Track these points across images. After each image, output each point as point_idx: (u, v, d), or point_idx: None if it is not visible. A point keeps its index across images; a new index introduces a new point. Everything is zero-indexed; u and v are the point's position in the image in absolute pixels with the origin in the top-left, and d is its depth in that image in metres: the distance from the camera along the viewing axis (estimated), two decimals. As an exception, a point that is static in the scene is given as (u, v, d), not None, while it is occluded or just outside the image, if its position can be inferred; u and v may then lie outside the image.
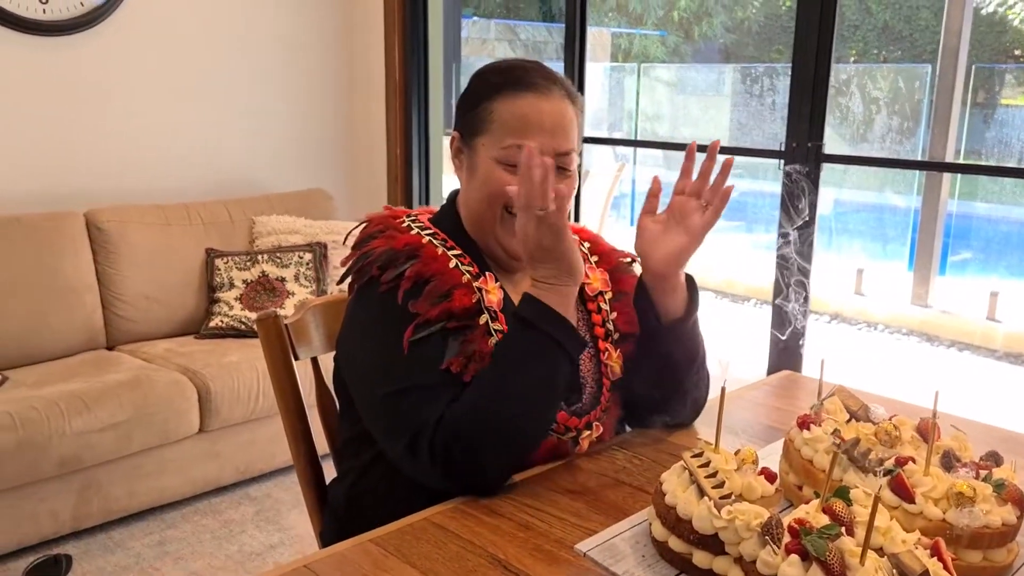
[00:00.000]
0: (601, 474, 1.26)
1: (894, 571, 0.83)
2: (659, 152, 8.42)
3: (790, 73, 2.65)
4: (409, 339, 1.20)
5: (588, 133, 4.98)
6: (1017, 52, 7.30)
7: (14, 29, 3.02)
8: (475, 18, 9.60)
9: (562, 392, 1.25)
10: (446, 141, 1.64)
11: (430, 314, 1.21)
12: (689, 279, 1.34)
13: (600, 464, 1.29)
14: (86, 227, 3.08)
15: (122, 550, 2.61)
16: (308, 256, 3.32)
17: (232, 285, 3.24)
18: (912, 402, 1.52)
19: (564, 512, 1.14)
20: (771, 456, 1.26)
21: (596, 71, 9.11)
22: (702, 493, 0.97)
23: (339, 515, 1.40)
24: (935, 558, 0.86)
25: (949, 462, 1.08)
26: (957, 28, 6.07)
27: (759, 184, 6.88)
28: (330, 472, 1.50)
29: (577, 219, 3.51)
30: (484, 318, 1.25)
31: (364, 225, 1.34)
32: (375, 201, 3.97)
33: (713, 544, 0.95)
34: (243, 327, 3.15)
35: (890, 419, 1.16)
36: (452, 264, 1.27)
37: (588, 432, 1.31)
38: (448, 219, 1.36)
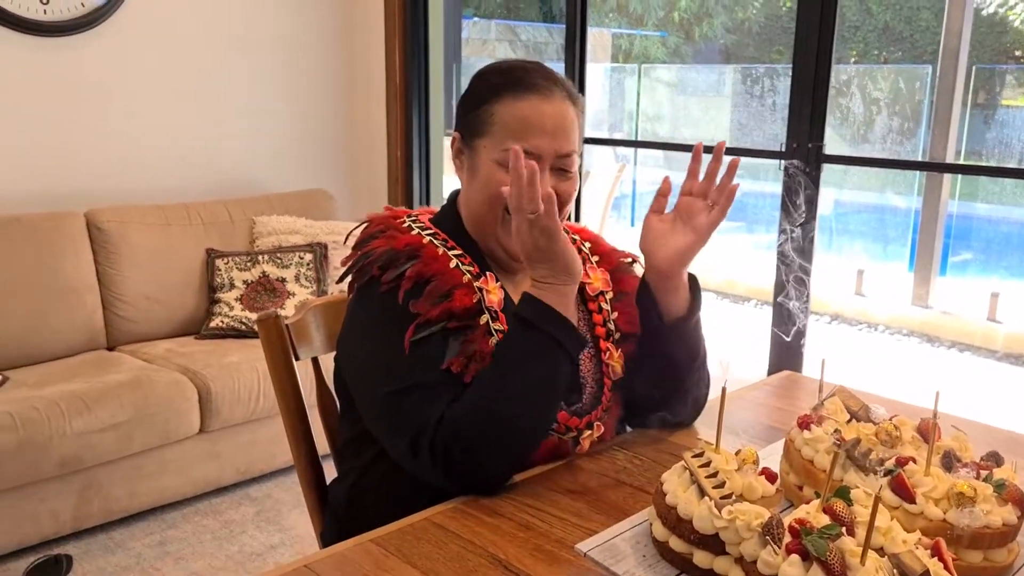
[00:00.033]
0: (602, 474, 1.26)
1: (895, 571, 0.83)
2: (660, 153, 8.42)
3: (791, 74, 2.66)
4: (410, 339, 1.20)
5: (589, 134, 4.98)
6: (1018, 53, 7.30)
7: (15, 30, 3.03)
8: (476, 19, 9.60)
9: (563, 392, 1.25)
10: (447, 141, 1.63)
11: (431, 314, 1.21)
12: (692, 278, 1.34)
13: (601, 464, 1.29)
14: (86, 227, 3.08)
15: (123, 550, 2.61)
16: (309, 256, 3.32)
17: (232, 285, 3.24)
18: (913, 403, 1.52)
19: (565, 512, 1.14)
20: (772, 456, 1.26)
21: (597, 72, 9.11)
22: (703, 493, 0.97)
23: (340, 515, 1.40)
24: (936, 558, 0.86)
25: (950, 462, 1.08)
26: (957, 29, 6.07)
27: (760, 185, 6.88)
28: (331, 472, 1.50)
29: (578, 219, 3.51)
30: (485, 318, 1.25)
31: (365, 225, 1.34)
32: (376, 201, 3.97)
33: (714, 544, 0.95)
34: (243, 327, 3.15)
35: (891, 419, 1.16)
36: (453, 264, 1.27)
37: (589, 432, 1.31)
38: (449, 219, 1.36)
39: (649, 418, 1.42)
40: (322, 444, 1.53)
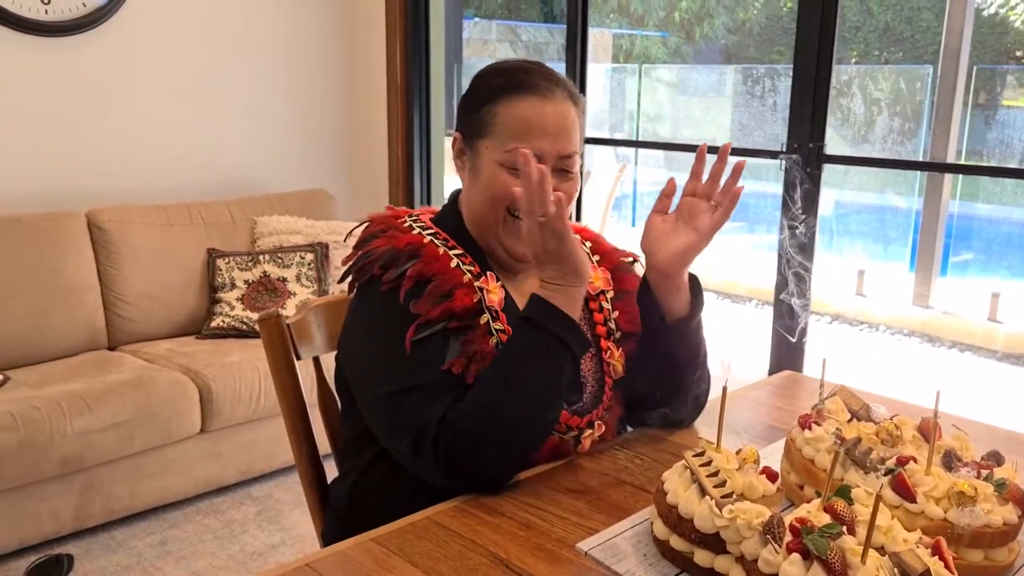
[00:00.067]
0: (603, 473, 1.26)
1: (895, 570, 0.83)
2: (660, 153, 8.42)
3: (791, 74, 2.66)
4: (411, 339, 1.20)
5: (589, 134, 4.98)
6: (1018, 53, 7.30)
7: (16, 29, 3.03)
8: (477, 19, 9.61)
9: (566, 391, 1.25)
10: (447, 142, 1.64)
11: (431, 314, 1.21)
12: (693, 279, 1.34)
13: (602, 463, 1.29)
14: (87, 227, 3.08)
15: (124, 550, 2.61)
16: (310, 256, 3.33)
17: (233, 285, 3.24)
18: (913, 402, 1.52)
19: (566, 511, 1.14)
20: (772, 455, 1.26)
21: (597, 72, 9.11)
22: (704, 492, 0.98)
23: (341, 514, 1.40)
24: (936, 557, 0.86)
25: (950, 461, 1.08)
26: (958, 29, 6.07)
27: (761, 185, 6.87)
28: (332, 472, 1.50)
29: (579, 219, 3.51)
30: (485, 318, 1.25)
31: (366, 224, 1.35)
32: (376, 201, 3.97)
33: (714, 543, 0.95)
34: (244, 327, 3.15)
35: (891, 419, 1.16)
36: (453, 264, 1.27)
37: (590, 431, 1.32)
38: (450, 219, 1.36)
39: (650, 415, 1.42)
40: (323, 444, 1.53)
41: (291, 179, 3.84)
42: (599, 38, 9.16)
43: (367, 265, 1.28)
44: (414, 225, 1.32)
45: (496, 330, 1.25)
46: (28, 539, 2.52)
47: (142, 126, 3.40)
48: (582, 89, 3.23)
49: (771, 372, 2.76)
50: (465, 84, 1.37)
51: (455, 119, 1.37)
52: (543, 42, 9.66)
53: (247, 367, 2.89)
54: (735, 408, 1.53)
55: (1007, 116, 6.89)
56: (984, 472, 1.05)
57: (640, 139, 9.04)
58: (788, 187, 2.67)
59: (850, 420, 1.19)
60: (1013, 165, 6.72)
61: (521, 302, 1.32)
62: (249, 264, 3.28)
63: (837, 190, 7.21)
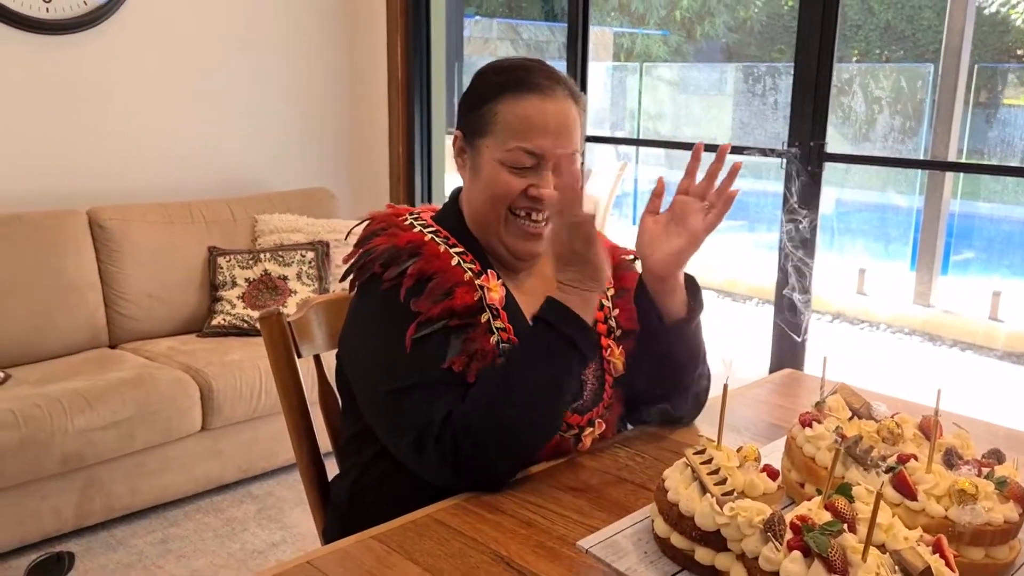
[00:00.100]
0: (603, 471, 1.26)
1: (896, 568, 0.83)
2: (661, 151, 8.42)
3: (792, 72, 2.66)
4: (411, 337, 1.20)
5: (590, 132, 4.98)
6: (1020, 52, 7.30)
7: (17, 28, 3.03)
8: (477, 17, 9.61)
9: (574, 393, 1.26)
10: (448, 140, 1.64)
11: (432, 312, 1.21)
12: (690, 280, 1.34)
13: (602, 461, 1.29)
14: (88, 225, 3.09)
15: (124, 548, 2.61)
16: (310, 255, 3.33)
17: (234, 283, 3.24)
18: (914, 400, 1.52)
19: (566, 509, 1.14)
20: (773, 453, 1.26)
21: (598, 70, 9.11)
22: (704, 490, 0.98)
23: (342, 512, 1.40)
24: (937, 555, 0.86)
25: (951, 459, 1.08)
26: (960, 28, 6.07)
27: (761, 183, 6.87)
28: (332, 470, 1.50)
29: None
30: (486, 316, 1.25)
31: (366, 223, 1.34)
32: (377, 200, 3.97)
33: (715, 541, 0.95)
34: (245, 325, 3.15)
35: (892, 417, 1.16)
36: (454, 262, 1.27)
37: (590, 429, 1.32)
38: (451, 217, 1.36)
39: (649, 412, 1.42)
40: (324, 441, 1.53)
41: (292, 177, 3.84)
42: (600, 36, 9.16)
43: (368, 263, 1.28)
44: (415, 223, 1.32)
45: (497, 328, 1.25)
46: (29, 537, 2.52)
47: (143, 124, 3.40)
48: (583, 87, 3.23)
49: (772, 370, 2.76)
50: (466, 82, 1.36)
51: (456, 117, 1.37)
52: (544, 40, 9.65)
53: (248, 365, 2.89)
54: (736, 406, 1.53)
55: (1008, 115, 6.89)
56: (985, 470, 1.05)
57: (641, 137, 9.04)
58: (789, 185, 2.67)
59: (851, 418, 1.19)
60: (1014, 164, 6.71)
61: (522, 300, 1.33)
62: (250, 262, 3.28)
63: (838, 188, 7.21)
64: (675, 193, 1.30)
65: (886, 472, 1.04)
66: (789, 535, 0.87)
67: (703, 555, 0.96)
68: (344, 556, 1.04)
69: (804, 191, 2.65)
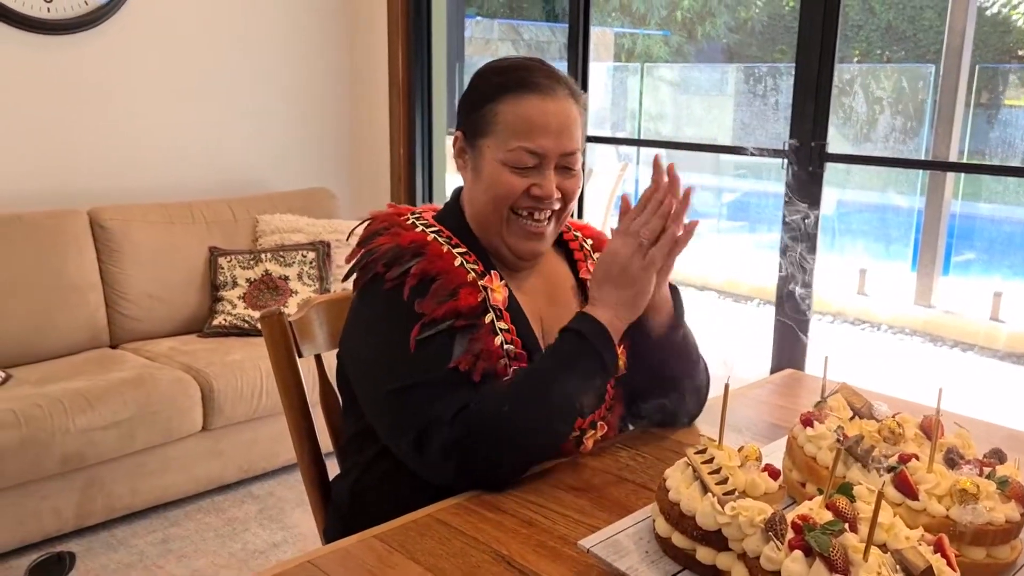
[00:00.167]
0: (605, 471, 1.26)
1: (897, 567, 0.83)
2: (662, 152, 8.41)
3: (793, 73, 2.66)
4: (415, 337, 1.20)
5: (591, 132, 4.98)
6: (1021, 52, 7.29)
7: (19, 28, 3.03)
8: (478, 18, 9.60)
9: (591, 404, 1.28)
10: (449, 140, 1.63)
11: (436, 313, 1.21)
12: (673, 289, 1.34)
13: (604, 461, 1.29)
14: (89, 225, 3.09)
15: (125, 548, 2.62)
16: (311, 255, 3.33)
17: (235, 284, 3.24)
18: (915, 400, 1.52)
19: (568, 509, 1.14)
20: (775, 453, 1.26)
21: (599, 71, 9.11)
22: (706, 489, 0.97)
23: (343, 512, 1.40)
24: (939, 555, 0.86)
25: (953, 459, 1.08)
26: (961, 28, 6.06)
27: (762, 184, 6.88)
28: (333, 469, 1.50)
29: (580, 217, 3.51)
30: (489, 317, 1.25)
31: (368, 222, 1.34)
32: (379, 200, 3.97)
33: (716, 540, 0.95)
34: (246, 325, 3.15)
35: (893, 416, 1.16)
36: (457, 262, 1.27)
37: (592, 431, 1.32)
38: (452, 217, 1.36)
39: (647, 408, 1.42)
40: (325, 441, 1.53)
41: (293, 178, 3.84)
42: (601, 37, 9.16)
43: (371, 263, 1.27)
44: (417, 223, 1.31)
45: (500, 329, 1.25)
46: (29, 537, 2.52)
47: (144, 124, 3.40)
48: (584, 88, 3.22)
49: (773, 371, 2.76)
50: (467, 83, 1.36)
51: (456, 118, 1.37)
52: (545, 41, 9.65)
53: (249, 365, 2.89)
54: (737, 406, 1.52)
55: (1009, 115, 6.89)
56: (986, 470, 1.05)
57: (642, 138, 9.03)
58: (790, 186, 2.67)
59: (852, 418, 1.19)
60: (1015, 164, 6.71)
61: (523, 300, 1.32)
62: (251, 262, 3.28)
63: (839, 189, 7.21)
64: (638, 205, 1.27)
65: (887, 472, 1.04)
66: (790, 535, 0.87)
67: (704, 555, 0.96)
68: (345, 556, 1.04)
69: (805, 191, 2.65)
